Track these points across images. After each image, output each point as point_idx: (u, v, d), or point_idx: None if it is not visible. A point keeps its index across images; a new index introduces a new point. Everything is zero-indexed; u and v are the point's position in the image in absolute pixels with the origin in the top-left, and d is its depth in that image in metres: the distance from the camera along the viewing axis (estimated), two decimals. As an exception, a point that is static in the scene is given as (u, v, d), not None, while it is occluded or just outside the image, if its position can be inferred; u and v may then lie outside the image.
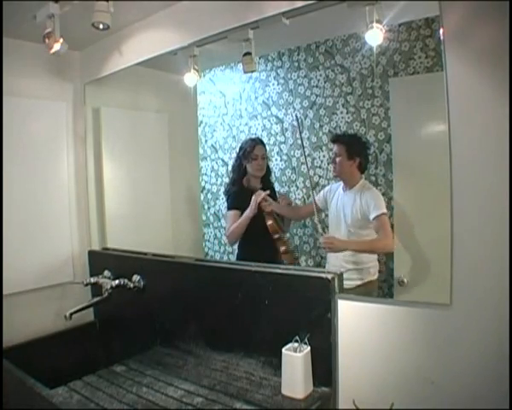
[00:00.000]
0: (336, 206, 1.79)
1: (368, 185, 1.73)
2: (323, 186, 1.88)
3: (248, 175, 2.03)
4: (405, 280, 1.54)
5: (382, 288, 1.67)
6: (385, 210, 1.64)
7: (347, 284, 1.52)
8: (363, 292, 1.63)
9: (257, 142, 2.04)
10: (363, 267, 1.69)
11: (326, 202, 1.85)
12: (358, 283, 1.66)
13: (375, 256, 1.69)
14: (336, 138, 1.82)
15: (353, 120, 1.76)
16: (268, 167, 2.05)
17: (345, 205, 1.76)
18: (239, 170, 2.04)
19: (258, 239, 1.97)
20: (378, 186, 1.71)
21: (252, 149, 2.01)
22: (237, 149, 2.10)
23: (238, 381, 1.43)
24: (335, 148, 1.80)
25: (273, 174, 2.07)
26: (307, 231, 1.96)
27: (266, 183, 2.04)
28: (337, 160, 1.78)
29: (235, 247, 2.11)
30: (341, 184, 1.80)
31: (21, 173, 1.98)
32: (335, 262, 1.74)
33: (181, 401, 1.31)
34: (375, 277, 1.68)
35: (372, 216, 1.64)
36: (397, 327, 1.27)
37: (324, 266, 1.86)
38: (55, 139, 2.12)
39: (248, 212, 1.94)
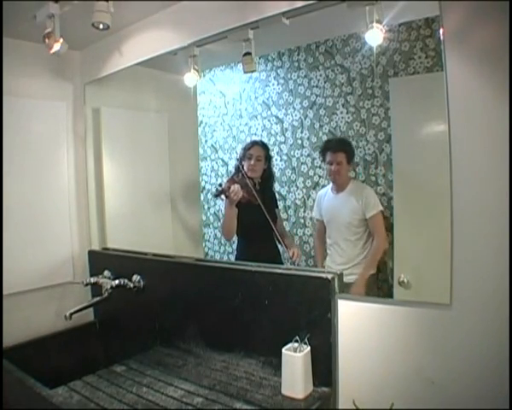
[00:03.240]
0: (329, 209, 1.82)
1: (360, 184, 1.75)
2: (323, 186, 1.88)
3: None
4: (405, 280, 1.54)
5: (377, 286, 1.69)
6: (381, 207, 1.67)
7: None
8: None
9: (255, 143, 2.02)
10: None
11: (321, 211, 1.88)
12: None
13: (361, 252, 1.72)
14: (338, 148, 1.80)
15: (353, 119, 1.76)
16: (271, 174, 2.01)
17: (339, 207, 1.78)
18: (238, 169, 2.04)
19: (252, 238, 1.99)
20: (378, 186, 1.71)
21: (248, 149, 2.00)
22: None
23: (238, 381, 1.43)
24: (336, 156, 1.79)
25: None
26: (307, 231, 1.96)
27: (264, 187, 1.98)
28: (336, 168, 1.79)
29: (235, 247, 2.11)
30: (329, 187, 1.83)
31: (21, 173, 1.97)
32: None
33: (181, 401, 1.31)
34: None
35: (370, 214, 1.67)
36: (397, 327, 1.27)
37: (324, 266, 1.87)
38: (54, 139, 2.12)
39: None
